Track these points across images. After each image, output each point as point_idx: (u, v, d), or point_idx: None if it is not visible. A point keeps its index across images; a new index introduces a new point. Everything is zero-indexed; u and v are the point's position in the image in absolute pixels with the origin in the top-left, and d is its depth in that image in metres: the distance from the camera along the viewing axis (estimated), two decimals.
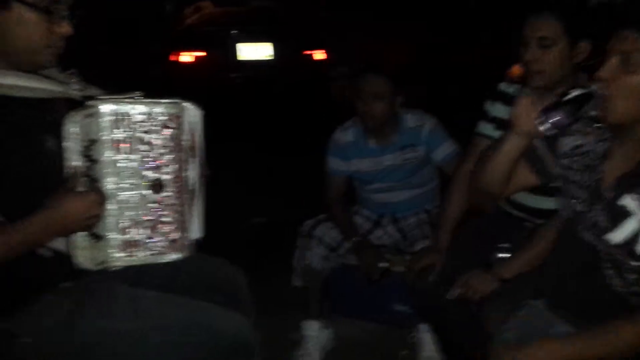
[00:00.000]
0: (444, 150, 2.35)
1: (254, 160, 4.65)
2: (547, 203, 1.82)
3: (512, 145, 1.38)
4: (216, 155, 1.63)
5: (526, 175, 1.46)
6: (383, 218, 2.48)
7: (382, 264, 2.30)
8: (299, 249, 2.36)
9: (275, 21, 6.85)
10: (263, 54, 6.52)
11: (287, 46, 6.51)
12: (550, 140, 1.40)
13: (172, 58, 6.45)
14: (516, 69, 2.03)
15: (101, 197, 1.26)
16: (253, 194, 3.92)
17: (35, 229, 1.16)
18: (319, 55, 6.68)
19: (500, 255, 1.92)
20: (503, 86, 1.99)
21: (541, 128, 1.30)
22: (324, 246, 2.34)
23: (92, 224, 1.26)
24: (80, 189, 1.25)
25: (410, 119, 2.35)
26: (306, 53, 6.60)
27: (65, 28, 1.23)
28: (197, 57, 6.39)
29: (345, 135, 2.41)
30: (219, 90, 6.06)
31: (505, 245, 1.94)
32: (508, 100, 1.90)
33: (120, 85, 1.43)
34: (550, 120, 1.28)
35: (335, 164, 2.42)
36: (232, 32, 6.48)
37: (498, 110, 1.97)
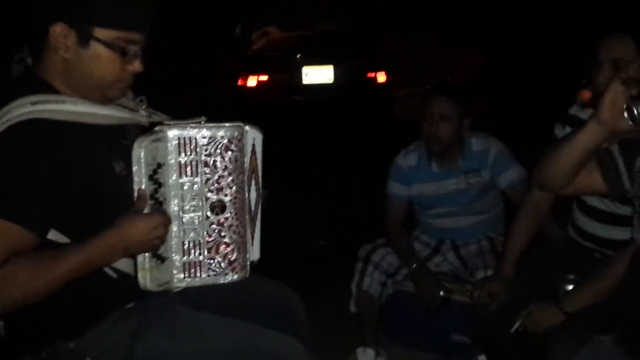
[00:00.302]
0: (511, 175, 2.30)
1: (315, 184, 4.69)
2: (618, 233, 1.75)
3: (590, 135, 1.29)
4: (276, 178, 1.66)
5: (594, 178, 1.37)
6: (443, 244, 2.44)
7: (441, 293, 2.26)
8: (357, 274, 2.35)
9: (339, 44, 6.91)
10: (327, 77, 6.58)
11: (349, 69, 6.55)
12: (628, 148, 1.33)
13: (240, 82, 6.62)
14: (586, 93, 1.96)
15: (166, 219, 1.31)
16: (314, 215, 3.95)
17: (101, 249, 1.21)
18: (381, 77, 6.68)
19: (567, 287, 1.84)
20: (574, 110, 1.94)
21: (628, 120, 1.20)
22: (381, 272, 2.32)
23: (156, 245, 1.31)
24: (147, 211, 1.30)
25: (476, 143, 2.31)
26: (370, 75, 6.62)
27: (136, 66, 1.30)
28: (263, 81, 6.52)
29: (408, 159, 2.40)
30: (284, 113, 6.16)
31: (572, 276, 1.86)
32: (579, 124, 1.84)
33: (189, 110, 1.49)
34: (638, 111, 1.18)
35: (396, 188, 2.41)
36: (298, 55, 6.58)
37: None
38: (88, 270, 1.20)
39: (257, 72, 6.52)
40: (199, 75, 8.90)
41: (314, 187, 4.56)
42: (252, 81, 6.54)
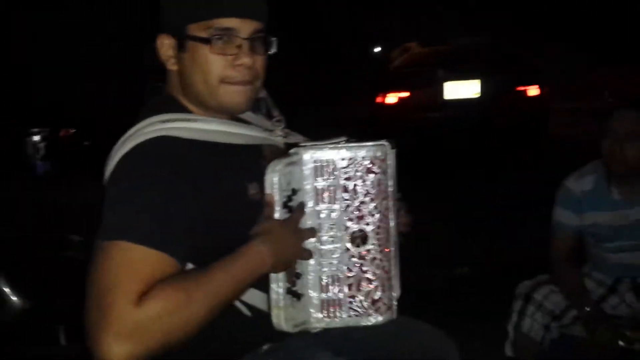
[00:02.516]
0: None
1: (457, 203, 4.40)
2: None
3: None
4: (416, 198, 1.46)
5: None
6: (620, 283, 2.07)
7: (620, 342, 1.90)
8: (515, 314, 2.06)
9: (484, 57, 6.58)
10: (471, 92, 6.29)
11: (496, 83, 6.21)
12: None
13: (379, 100, 6.54)
14: None
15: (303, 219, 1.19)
16: (455, 240, 3.67)
17: (249, 257, 1.07)
18: (533, 90, 6.23)
19: None
20: None
21: None
22: (545, 313, 2.01)
23: (307, 254, 1.19)
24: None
25: None
26: (519, 89, 6.21)
27: (242, 59, 1.15)
28: (403, 98, 6.39)
29: (582, 183, 2.06)
30: (425, 130, 5.97)
31: None
32: None
33: (327, 128, 1.36)
34: None
35: (565, 217, 2.08)
36: (439, 71, 6.37)
37: None
38: (237, 286, 1.06)
39: (397, 89, 6.41)
40: (338, 93, 8.98)
41: (456, 210, 4.27)
42: (392, 98, 6.43)
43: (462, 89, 6.31)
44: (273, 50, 1.21)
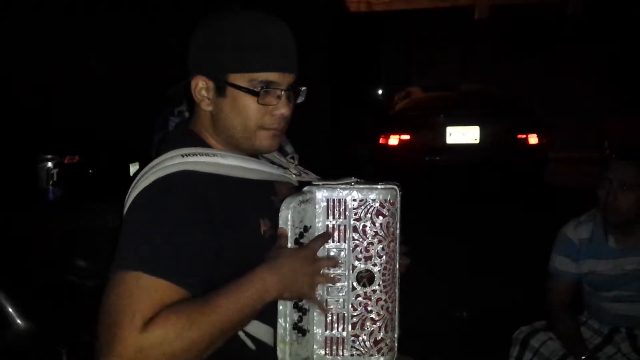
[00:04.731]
0: None
1: (454, 248, 4.42)
2: None
3: None
4: (413, 240, 1.49)
5: None
6: (617, 333, 2.08)
7: None
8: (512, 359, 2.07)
9: (486, 104, 6.70)
10: (472, 138, 6.37)
11: (497, 129, 6.30)
12: None
13: (382, 141, 6.61)
14: None
15: (316, 254, 1.21)
16: (452, 284, 3.67)
17: (255, 284, 1.09)
18: (533, 139, 6.32)
19: None
20: None
21: None
22: (540, 359, 2.01)
23: (312, 283, 1.20)
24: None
25: None
26: (521, 137, 6.29)
27: (281, 109, 1.22)
28: (405, 140, 6.46)
29: (580, 231, 2.09)
30: (426, 172, 6.02)
31: None
32: None
33: (330, 165, 1.40)
34: None
35: (562, 264, 2.11)
36: (441, 115, 6.47)
37: None
38: (242, 313, 1.07)
39: (399, 131, 6.48)
40: (340, 132, 9.05)
41: (455, 255, 4.29)
42: (393, 140, 6.50)
43: (463, 135, 6.39)
44: (302, 99, 1.28)
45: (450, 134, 6.37)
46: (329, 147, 7.13)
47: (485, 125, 6.31)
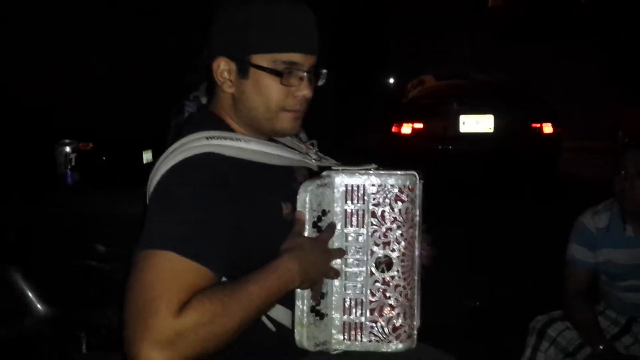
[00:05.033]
0: None
1: (466, 237, 4.39)
2: None
3: None
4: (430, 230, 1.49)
5: None
6: (635, 323, 2.06)
7: None
8: (529, 349, 2.06)
9: (500, 93, 6.65)
10: (486, 127, 6.33)
11: (511, 118, 6.26)
12: None
13: (395, 129, 6.59)
14: None
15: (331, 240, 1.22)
16: (464, 274, 3.66)
17: (280, 272, 1.10)
18: (548, 128, 6.27)
19: None
20: None
21: None
22: (558, 349, 2.00)
23: (335, 272, 1.22)
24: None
25: None
26: (535, 126, 6.24)
27: (303, 91, 1.22)
28: (418, 129, 6.43)
29: (597, 219, 2.08)
30: (439, 161, 5.99)
31: None
32: None
33: (343, 155, 1.40)
34: None
35: (579, 253, 2.09)
36: (455, 104, 6.43)
37: None
38: (268, 299, 1.10)
39: (413, 120, 6.45)
40: (352, 121, 9.02)
41: (467, 244, 4.27)
42: (406, 128, 6.47)
43: (476, 123, 6.35)
44: (322, 82, 1.27)
45: (463, 123, 6.34)
46: (334, 136, 7.10)
47: (499, 114, 6.27)
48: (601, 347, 1.95)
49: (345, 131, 8.33)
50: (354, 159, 1.32)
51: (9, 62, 5.44)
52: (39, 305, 1.66)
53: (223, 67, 1.20)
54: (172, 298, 0.96)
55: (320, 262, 1.19)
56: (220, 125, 1.23)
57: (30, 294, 1.67)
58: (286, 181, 1.29)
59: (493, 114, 6.28)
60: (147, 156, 4.79)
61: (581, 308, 2.05)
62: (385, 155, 6.74)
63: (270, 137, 1.29)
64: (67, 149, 1.99)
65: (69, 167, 1.99)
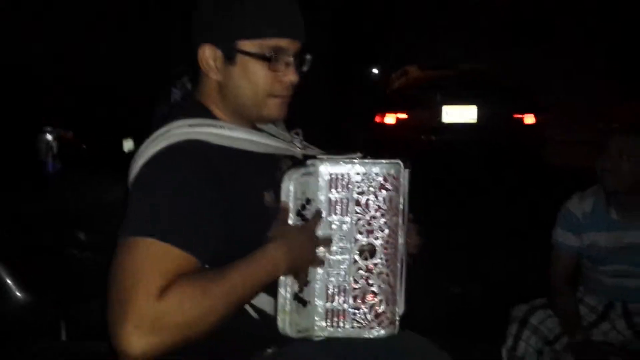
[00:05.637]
0: None
1: (448, 226, 4.43)
2: None
3: None
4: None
5: None
6: (612, 310, 2.10)
7: None
8: (510, 337, 2.08)
9: (483, 84, 6.69)
10: (469, 117, 6.38)
11: (494, 109, 6.32)
12: None
13: (378, 119, 6.61)
14: None
15: (315, 230, 1.23)
16: (445, 262, 3.70)
17: (266, 261, 1.11)
18: (529, 119, 6.33)
19: None
20: None
21: None
22: (539, 337, 2.03)
23: (321, 259, 1.23)
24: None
25: None
26: (516, 117, 6.31)
27: (289, 76, 1.21)
28: (402, 119, 6.46)
29: (582, 204, 2.10)
30: (422, 151, 6.03)
31: None
32: None
33: (327, 145, 1.40)
34: None
35: (565, 237, 2.11)
36: (438, 94, 6.46)
37: None
38: (252, 287, 1.10)
39: (396, 110, 6.49)
40: (335, 110, 9.01)
41: (449, 233, 4.31)
42: (390, 119, 6.50)
43: (460, 114, 6.40)
44: (307, 68, 1.26)
45: (446, 113, 6.37)
46: (328, 126, 7.11)
47: (482, 105, 6.33)
48: (578, 337, 1.98)
49: (335, 121, 8.33)
50: (338, 148, 1.33)
51: None
52: (18, 293, 1.65)
53: (208, 54, 1.19)
54: (152, 282, 0.96)
55: (306, 250, 1.19)
56: (205, 112, 1.22)
57: (9, 281, 1.65)
58: (270, 170, 1.28)
59: (476, 105, 6.33)
60: (127, 145, 4.75)
61: (564, 294, 2.08)
62: (369, 144, 6.78)
63: (255, 124, 1.28)
64: (49, 137, 1.97)
65: (51, 155, 1.96)
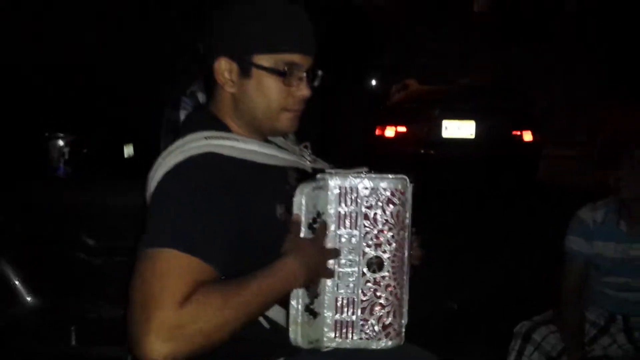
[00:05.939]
0: None
1: (446, 240, 4.46)
2: None
3: None
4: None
5: None
6: (613, 324, 2.12)
7: None
8: (513, 353, 2.10)
9: (482, 99, 6.74)
10: (467, 133, 6.43)
11: (492, 125, 6.36)
12: None
13: (378, 132, 6.65)
14: None
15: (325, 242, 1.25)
16: (443, 276, 3.72)
17: (284, 272, 1.14)
18: (527, 136, 6.39)
19: None
20: None
21: None
22: (541, 353, 2.05)
23: (332, 271, 1.25)
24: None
25: None
26: (515, 133, 6.36)
27: (302, 91, 1.25)
28: (402, 132, 6.50)
29: (594, 214, 2.13)
30: (421, 165, 6.06)
31: None
32: None
33: (326, 157, 1.43)
34: None
35: (576, 243, 2.12)
36: (437, 109, 6.51)
37: None
38: (271, 298, 1.14)
39: (396, 123, 6.52)
40: (334, 123, 9.02)
41: (447, 247, 4.34)
42: (390, 132, 6.53)
43: (458, 129, 6.44)
44: (317, 83, 1.30)
45: (446, 128, 6.42)
46: (321, 139, 7.12)
47: (481, 120, 6.37)
48: (578, 354, 2.01)
49: (330, 135, 8.34)
50: (339, 161, 1.36)
51: None
52: (28, 297, 1.67)
53: (224, 67, 1.22)
54: (175, 291, 0.99)
55: (318, 262, 1.23)
56: (219, 126, 1.25)
57: (19, 285, 1.67)
58: (280, 182, 1.31)
59: (475, 120, 6.37)
60: (127, 150, 4.77)
61: (573, 307, 2.09)
62: (368, 157, 6.80)
63: (267, 137, 1.32)
64: (61, 142, 2.00)
65: (62, 160, 1.99)
